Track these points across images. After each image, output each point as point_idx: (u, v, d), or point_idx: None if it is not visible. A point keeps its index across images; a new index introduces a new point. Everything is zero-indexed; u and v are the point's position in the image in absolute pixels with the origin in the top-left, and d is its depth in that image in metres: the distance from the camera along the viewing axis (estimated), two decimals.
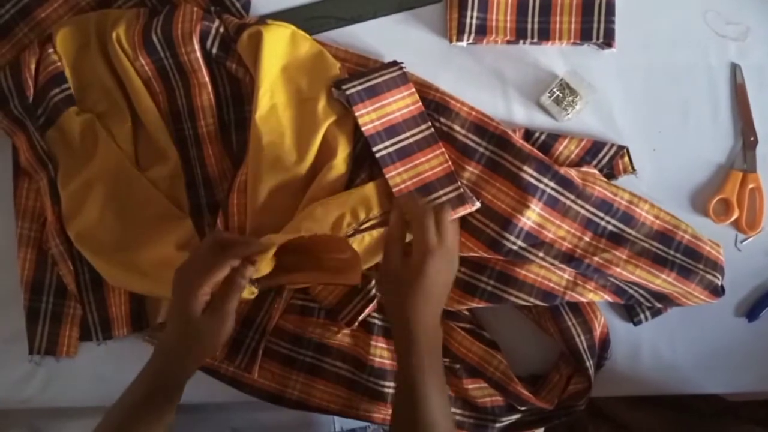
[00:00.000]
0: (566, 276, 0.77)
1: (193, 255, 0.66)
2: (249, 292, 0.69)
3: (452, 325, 0.79)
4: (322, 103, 0.76)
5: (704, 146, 0.82)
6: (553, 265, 0.76)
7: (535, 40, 0.80)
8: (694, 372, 0.82)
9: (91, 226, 0.76)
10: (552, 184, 0.75)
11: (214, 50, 0.77)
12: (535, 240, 0.75)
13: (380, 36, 0.82)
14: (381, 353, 0.78)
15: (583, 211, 0.76)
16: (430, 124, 0.76)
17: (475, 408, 0.79)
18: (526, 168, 0.75)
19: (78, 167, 0.78)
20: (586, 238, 0.76)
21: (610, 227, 0.76)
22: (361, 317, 0.76)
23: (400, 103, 0.76)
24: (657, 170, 0.82)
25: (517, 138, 0.77)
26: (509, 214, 0.75)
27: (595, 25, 0.79)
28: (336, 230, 0.71)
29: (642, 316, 0.80)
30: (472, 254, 0.76)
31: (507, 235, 0.74)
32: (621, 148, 0.80)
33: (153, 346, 0.80)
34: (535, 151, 0.77)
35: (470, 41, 0.81)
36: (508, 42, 0.81)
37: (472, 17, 0.79)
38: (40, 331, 0.80)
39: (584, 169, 0.79)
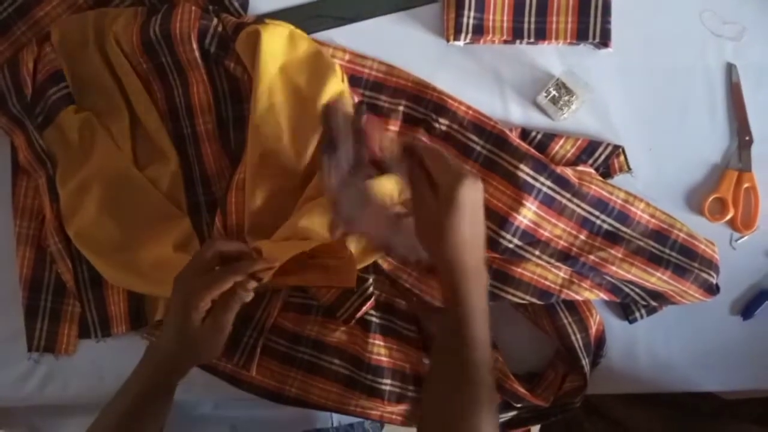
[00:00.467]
0: (562, 274, 0.77)
1: (195, 262, 0.66)
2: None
3: None
4: (320, 102, 0.76)
5: (700, 145, 0.83)
6: (549, 263, 0.76)
7: (532, 39, 0.80)
8: (690, 370, 0.82)
9: (90, 225, 0.77)
10: (548, 183, 0.75)
11: (213, 49, 0.78)
12: (531, 238, 0.75)
13: (378, 35, 0.82)
14: (378, 350, 0.78)
15: (579, 210, 0.76)
16: None
17: None
18: (522, 167, 0.75)
19: (76, 166, 0.78)
20: (582, 237, 0.76)
21: (605, 226, 0.77)
22: (358, 315, 0.77)
23: None
24: (653, 169, 0.82)
25: (514, 137, 0.78)
26: (506, 213, 0.75)
27: (592, 25, 0.80)
28: (332, 229, 0.72)
29: (637, 315, 0.81)
30: None
31: (503, 234, 0.75)
32: (617, 147, 0.81)
33: None
34: (532, 150, 0.77)
35: (467, 41, 0.81)
36: (505, 42, 0.81)
37: (469, 17, 0.79)
38: (38, 328, 0.80)
39: (580, 168, 0.79)
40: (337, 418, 0.90)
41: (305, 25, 0.81)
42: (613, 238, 0.76)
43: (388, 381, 0.78)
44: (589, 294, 0.77)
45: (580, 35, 0.80)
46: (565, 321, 0.77)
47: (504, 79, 0.82)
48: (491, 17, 0.80)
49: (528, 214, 0.75)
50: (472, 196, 0.61)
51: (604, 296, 0.78)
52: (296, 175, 0.76)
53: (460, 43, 0.81)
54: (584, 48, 0.82)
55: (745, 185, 0.81)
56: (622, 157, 0.81)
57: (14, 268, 0.81)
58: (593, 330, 0.78)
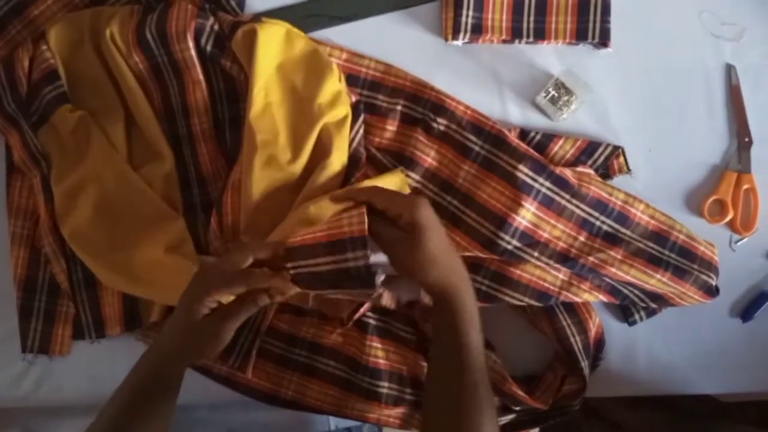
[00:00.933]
0: (561, 276, 0.77)
1: (221, 261, 0.65)
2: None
3: None
4: (317, 102, 0.75)
5: (699, 147, 0.82)
6: (548, 265, 0.76)
7: (531, 39, 0.80)
8: (689, 372, 0.82)
9: (84, 225, 0.76)
10: (547, 183, 0.75)
11: (209, 48, 0.77)
12: (530, 240, 0.75)
13: (375, 34, 0.82)
14: (376, 353, 0.77)
15: (578, 211, 0.76)
16: None
17: None
18: (521, 167, 0.75)
19: (71, 165, 0.77)
20: (581, 238, 0.76)
21: (605, 227, 0.76)
22: (355, 317, 0.76)
23: None
24: (652, 170, 0.82)
25: (513, 137, 0.77)
26: (504, 214, 0.74)
27: (591, 25, 0.79)
28: None
29: (637, 317, 0.80)
30: (466, 254, 0.76)
31: (502, 235, 0.74)
32: (616, 148, 0.80)
33: (146, 345, 0.79)
34: (531, 150, 0.77)
35: (466, 40, 0.81)
36: (504, 41, 0.81)
37: (467, 16, 0.79)
38: (33, 329, 0.80)
39: (579, 169, 0.79)
40: (334, 422, 0.89)
41: (302, 23, 0.80)
42: (612, 239, 0.76)
43: (386, 383, 0.78)
44: (588, 296, 0.77)
45: (580, 35, 0.80)
46: (564, 323, 0.77)
47: (503, 78, 0.82)
48: (490, 17, 0.79)
49: (527, 215, 0.75)
50: (430, 216, 0.61)
51: (603, 298, 0.78)
52: (292, 174, 0.76)
53: (459, 42, 0.81)
54: (583, 48, 0.82)
55: (745, 187, 0.81)
56: (621, 158, 0.81)
57: (8, 268, 0.80)
58: (592, 332, 0.78)
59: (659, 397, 0.84)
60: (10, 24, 0.81)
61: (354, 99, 0.79)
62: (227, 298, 0.64)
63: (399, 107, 0.79)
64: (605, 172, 0.81)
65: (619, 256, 0.75)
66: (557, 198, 0.75)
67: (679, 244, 0.77)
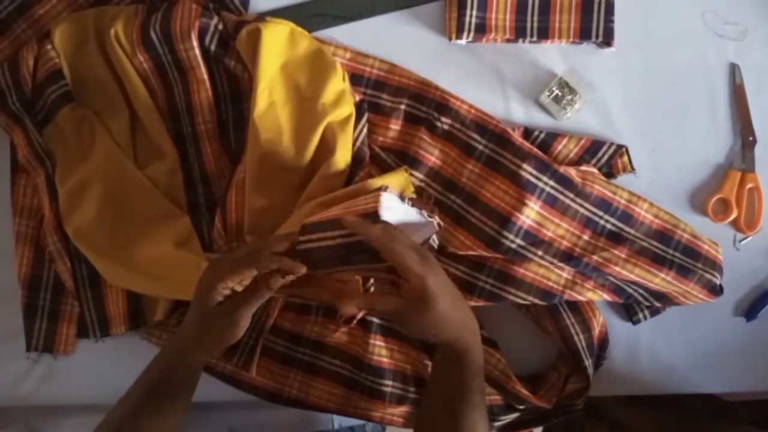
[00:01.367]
0: (565, 275, 0.77)
1: (227, 256, 0.66)
2: None
3: None
4: (320, 101, 0.75)
5: (703, 146, 0.82)
6: (552, 263, 0.76)
7: (535, 38, 0.80)
8: (692, 371, 0.82)
9: (89, 224, 0.76)
10: (551, 182, 0.75)
11: (213, 47, 0.77)
12: (534, 238, 0.75)
13: (379, 34, 0.82)
14: (379, 351, 0.78)
15: (582, 210, 0.76)
16: None
17: None
18: (525, 166, 0.75)
19: (75, 164, 0.77)
20: (585, 237, 0.76)
21: (609, 226, 0.76)
22: (359, 315, 0.76)
23: None
24: (656, 169, 0.82)
25: (517, 136, 0.77)
26: (508, 213, 0.75)
27: (595, 24, 0.79)
28: None
29: (641, 316, 0.80)
30: (471, 253, 0.76)
31: (506, 234, 0.74)
32: (620, 147, 0.80)
33: (151, 343, 0.79)
34: (535, 149, 0.77)
35: (469, 39, 0.81)
36: (508, 40, 0.81)
37: (471, 16, 0.79)
38: (37, 328, 0.80)
39: (583, 168, 0.79)
40: (337, 421, 0.89)
41: (306, 23, 0.80)
42: (616, 238, 0.76)
43: (389, 382, 0.78)
44: (592, 295, 0.77)
45: (583, 34, 0.80)
46: (568, 322, 0.77)
47: (506, 78, 0.82)
48: (494, 16, 0.80)
49: (531, 214, 0.75)
50: (440, 282, 0.60)
51: (607, 297, 0.78)
52: (296, 173, 0.76)
53: (462, 41, 0.81)
54: (587, 47, 0.82)
55: (749, 186, 0.81)
56: (625, 157, 0.81)
57: (13, 267, 0.80)
58: (596, 331, 0.78)
59: (662, 396, 0.84)
60: (15, 23, 0.81)
61: (358, 98, 0.79)
62: (240, 286, 0.64)
63: (403, 106, 0.80)
64: (609, 171, 0.81)
65: (623, 255, 0.75)
66: (561, 197, 0.75)
67: (683, 243, 0.77)
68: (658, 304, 0.79)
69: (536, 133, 0.80)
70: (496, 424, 0.79)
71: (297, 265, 0.63)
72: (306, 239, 0.64)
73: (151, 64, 0.78)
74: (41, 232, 0.80)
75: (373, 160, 0.79)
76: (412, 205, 0.66)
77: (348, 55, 0.81)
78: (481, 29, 0.79)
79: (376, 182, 0.74)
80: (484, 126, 0.78)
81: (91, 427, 0.63)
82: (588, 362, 0.76)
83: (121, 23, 0.77)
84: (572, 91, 0.79)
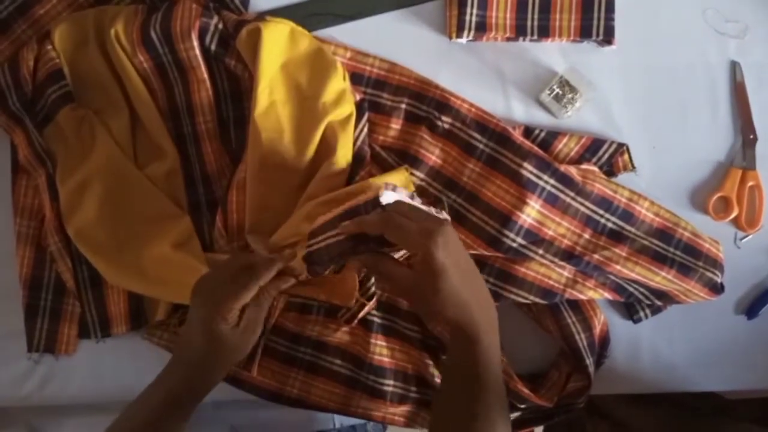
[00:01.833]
0: (566, 273, 0.77)
1: (219, 273, 0.65)
2: None
3: None
4: (321, 100, 0.75)
5: (704, 144, 0.82)
6: (552, 262, 0.76)
7: (535, 37, 0.80)
8: (693, 370, 0.82)
9: (90, 224, 0.76)
10: (552, 181, 0.75)
11: (213, 47, 0.77)
12: (534, 237, 0.75)
13: (379, 33, 0.82)
14: (380, 351, 0.78)
15: (582, 209, 0.76)
16: None
17: None
18: (526, 165, 0.75)
19: (76, 164, 0.77)
20: (586, 236, 0.76)
21: (609, 225, 0.76)
22: (360, 315, 0.76)
23: None
24: (656, 168, 0.81)
25: (517, 135, 0.77)
26: (509, 212, 0.75)
27: (595, 22, 0.79)
28: None
29: (642, 314, 0.80)
30: (471, 251, 0.76)
31: (507, 233, 0.74)
32: (621, 145, 0.80)
33: (152, 344, 0.79)
34: (535, 148, 0.77)
35: (470, 38, 0.80)
36: (508, 39, 0.81)
37: (471, 14, 0.79)
38: (38, 328, 0.80)
39: (584, 166, 0.79)
40: (339, 420, 0.89)
41: (306, 22, 0.80)
42: (617, 236, 0.76)
43: (390, 381, 0.78)
44: (593, 293, 0.77)
45: (584, 32, 0.80)
46: (569, 320, 0.77)
47: (507, 76, 0.82)
48: (494, 14, 0.79)
49: (532, 212, 0.75)
50: (448, 250, 0.57)
51: (608, 295, 0.78)
52: (297, 173, 0.76)
53: (463, 40, 0.81)
54: (588, 45, 0.82)
55: (750, 184, 0.81)
56: (626, 156, 0.81)
57: (14, 268, 0.80)
58: (597, 330, 0.78)
59: (663, 394, 0.84)
60: (15, 24, 0.81)
61: (358, 97, 0.79)
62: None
63: (403, 105, 0.79)
64: (610, 170, 0.81)
65: (624, 254, 0.75)
66: (562, 195, 0.75)
67: (684, 242, 0.77)
68: (659, 303, 0.79)
69: (537, 131, 0.80)
70: None
71: (299, 265, 0.64)
72: (313, 242, 0.64)
73: (152, 64, 0.78)
74: (42, 233, 0.80)
75: (374, 160, 0.79)
76: (422, 203, 0.66)
77: (348, 54, 0.81)
78: (482, 28, 0.79)
79: (377, 181, 0.74)
80: (485, 125, 0.78)
81: (92, 427, 0.63)
82: (589, 361, 0.76)
83: (121, 23, 0.77)
84: (573, 89, 0.79)
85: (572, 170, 0.76)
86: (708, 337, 0.82)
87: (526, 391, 0.76)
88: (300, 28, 0.79)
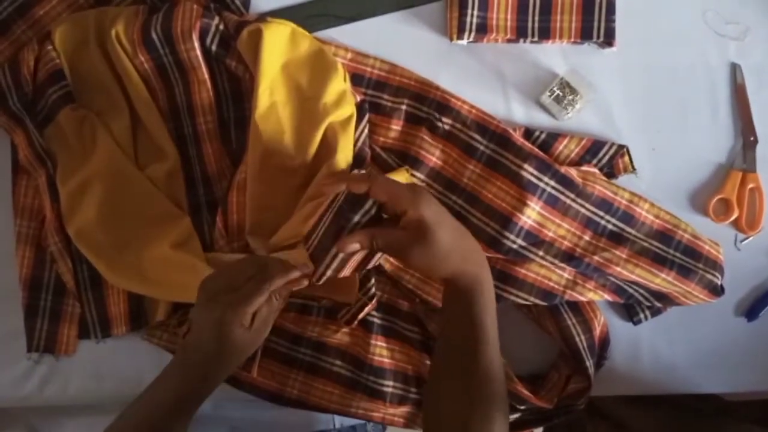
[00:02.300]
0: (566, 275, 0.77)
1: (230, 274, 0.65)
2: None
3: None
4: (322, 101, 0.75)
5: (704, 146, 0.82)
6: (553, 264, 0.76)
7: (536, 38, 0.80)
8: (693, 371, 0.82)
9: (90, 224, 0.76)
10: (552, 183, 0.75)
11: (214, 47, 0.77)
12: (535, 239, 0.75)
13: (380, 34, 0.82)
14: (380, 352, 0.78)
15: (583, 210, 0.76)
16: None
17: None
18: (526, 167, 0.75)
19: (77, 165, 0.77)
20: (586, 237, 0.76)
21: (610, 226, 0.76)
22: (360, 316, 0.76)
23: None
24: (657, 170, 0.82)
25: (518, 137, 0.77)
26: (509, 213, 0.75)
27: (596, 24, 0.79)
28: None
29: (642, 316, 0.80)
30: None
31: (507, 234, 0.74)
32: (621, 147, 0.80)
33: (152, 344, 0.79)
34: (536, 149, 0.77)
35: (470, 40, 0.81)
36: (509, 41, 0.81)
37: (472, 15, 0.79)
38: (38, 328, 0.80)
39: (584, 168, 0.79)
40: (338, 421, 0.89)
41: (307, 23, 0.80)
42: (617, 238, 0.76)
43: (390, 382, 0.78)
44: (593, 295, 0.77)
45: (584, 34, 0.80)
46: (569, 322, 0.77)
47: (507, 78, 0.82)
48: (495, 16, 0.80)
49: (532, 214, 0.75)
50: (435, 209, 0.60)
51: (608, 297, 0.78)
52: (298, 174, 0.76)
53: (463, 41, 0.81)
54: (588, 47, 0.82)
55: (750, 186, 0.81)
56: (626, 157, 0.81)
57: (14, 268, 0.80)
58: (597, 331, 0.78)
59: (664, 395, 0.84)
60: (15, 24, 0.80)
61: (359, 98, 0.79)
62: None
63: (404, 107, 0.80)
64: (610, 172, 0.81)
65: (624, 255, 0.75)
66: (562, 197, 0.75)
67: (684, 244, 0.77)
68: (659, 305, 0.79)
69: (537, 133, 0.80)
70: None
71: (304, 266, 0.65)
72: (310, 243, 0.66)
73: (152, 65, 0.78)
74: (42, 233, 0.80)
75: (375, 161, 0.79)
76: None
77: (349, 55, 0.81)
78: (482, 29, 0.79)
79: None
80: (485, 126, 0.78)
81: (92, 427, 0.63)
82: (589, 362, 0.76)
83: (122, 24, 0.77)
84: (573, 91, 0.79)
85: (572, 172, 0.76)
86: (708, 339, 0.82)
87: (525, 392, 0.76)
88: (301, 30, 0.79)
